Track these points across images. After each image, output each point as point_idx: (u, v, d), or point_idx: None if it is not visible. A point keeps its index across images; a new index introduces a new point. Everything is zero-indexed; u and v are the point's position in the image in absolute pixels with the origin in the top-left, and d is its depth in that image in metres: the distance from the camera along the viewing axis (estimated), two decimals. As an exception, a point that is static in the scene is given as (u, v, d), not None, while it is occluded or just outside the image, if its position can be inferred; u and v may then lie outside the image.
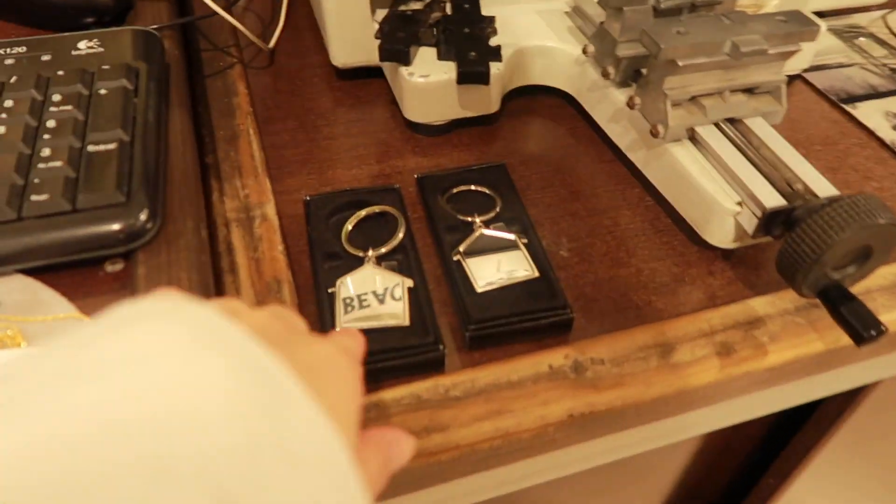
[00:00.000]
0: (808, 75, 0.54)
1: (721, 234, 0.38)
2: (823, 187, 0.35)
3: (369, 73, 0.50)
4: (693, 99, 0.39)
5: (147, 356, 0.16)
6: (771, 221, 0.35)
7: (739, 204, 0.36)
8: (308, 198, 0.39)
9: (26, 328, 0.27)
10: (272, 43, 0.52)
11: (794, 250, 0.33)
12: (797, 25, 0.39)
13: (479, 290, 0.35)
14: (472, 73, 0.42)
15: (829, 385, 0.44)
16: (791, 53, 0.39)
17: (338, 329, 0.33)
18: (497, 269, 0.36)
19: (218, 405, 0.16)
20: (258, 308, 0.23)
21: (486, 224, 0.38)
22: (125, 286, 0.29)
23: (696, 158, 0.38)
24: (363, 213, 0.38)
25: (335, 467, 0.18)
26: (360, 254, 0.36)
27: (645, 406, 0.33)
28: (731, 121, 0.39)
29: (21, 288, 0.28)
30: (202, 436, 0.15)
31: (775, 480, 0.62)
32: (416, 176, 0.42)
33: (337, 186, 0.42)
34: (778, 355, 0.35)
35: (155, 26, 0.43)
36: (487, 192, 0.41)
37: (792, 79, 0.54)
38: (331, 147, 0.45)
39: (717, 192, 0.37)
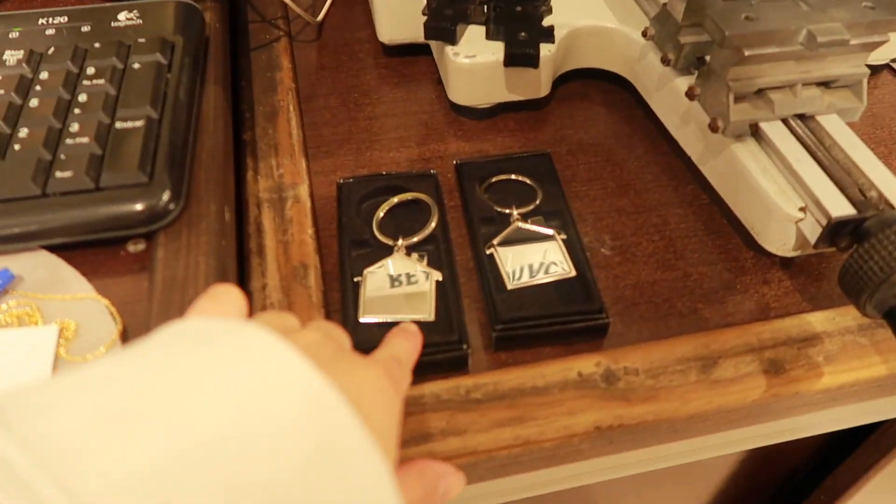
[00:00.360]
0: (896, 65, 0.49)
1: (780, 241, 0.34)
2: (901, 196, 0.32)
3: (417, 51, 0.48)
4: (760, 92, 0.36)
5: (216, 383, 0.17)
6: (837, 231, 0.32)
7: (802, 210, 0.33)
8: (341, 181, 0.38)
9: (44, 306, 0.27)
10: (320, 16, 0.51)
11: (860, 266, 0.29)
12: (886, 13, 0.35)
13: (511, 287, 0.33)
14: (521, 56, 0.40)
15: (892, 409, 0.40)
16: (877, 45, 0.35)
17: (360, 319, 0.32)
18: (531, 265, 0.34)
19: (281, 434, 0.17)
20: (309, 326, 0.23)
21: (525, 217, 0.36)
22: (145, 268, 0.29)
23: (759, 157, 0.35)
24: (395, 199, 0.37)
25: (381, 495, 0.19)
26: (391, 242, 0.35)
27: (680, 423, 0.31)
28: (802, 117, 0.36)
29: (43, 265, 0.28)
30: (270, 464, 0.16)
31: (827, 498, 0.58)
32: (454, 162, 0.40)
33: (374, 169, 0.41)
34: (834, 377, 0.32)
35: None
36: (528, 182, 0.39)
37: (877, 69, 0.49)
38: (371, 127, 0.44)
39: (778, 195, 0.34)
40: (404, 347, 0.27)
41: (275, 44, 0.48)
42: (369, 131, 0.43)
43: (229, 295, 0.23)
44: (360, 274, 0.34)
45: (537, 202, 0.37)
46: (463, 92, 0.43)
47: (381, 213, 0.36)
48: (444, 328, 0.32)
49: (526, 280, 0.34)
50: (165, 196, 0.29)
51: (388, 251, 0.35)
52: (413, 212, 0.37)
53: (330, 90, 0.46)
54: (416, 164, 0.41)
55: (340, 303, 0.33)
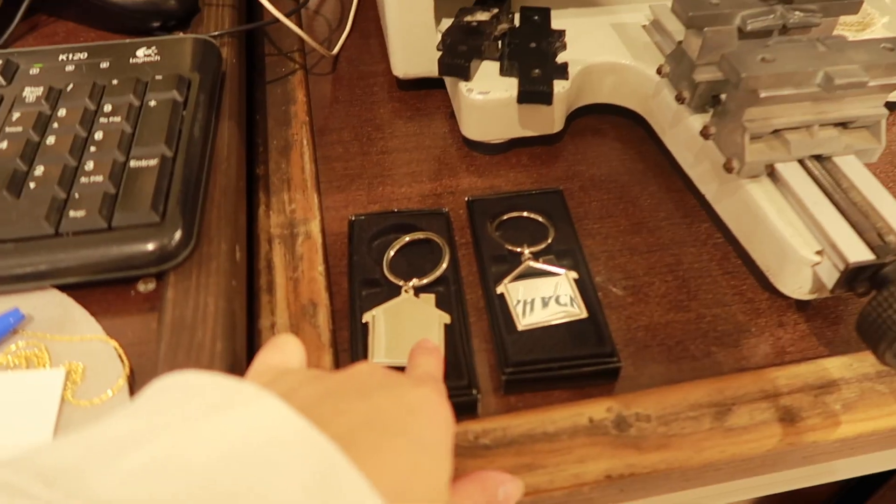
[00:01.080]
0: (916, 101, 0.48)
1: (795, 285, 0.34)
2: (921, 242, 0.31)
3: (431, 84, 0.48)
4: (776, 132, 0.35)
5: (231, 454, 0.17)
6: (855, 277, 0.31)
7: (819, 253, 0.32)
8: (353, 218, 0.38)
9: (53, 347, 0.27)
10: (336, 50, 0.51)
11: (879, 314, 0.29)
12: (904, 54, 0.34)
13: (521, 328, 0.33)
14: (534, 93, 0.40)
15: (913, 456, 0.39)
16: (895, 86, 0.35)
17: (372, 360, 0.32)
18: (542, 306, 0.34)
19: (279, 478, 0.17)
20: (353, 365, 0.24)
21: (536, 256, 0.36)
22: (154, 308, 0.29)
23: (774, 198, 0.35)
24: (407, 238, 0.37)
25: None
26: (401, 283, 0.35)
27: (692, 472, 0.30)
28: (819, 158, 0.35)
29: (54, 304, 0.28)
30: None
31: (846, 540, 0.57)
32: (466, 199, 0.40)
33: (386, 204, 0.41)
34: (852, 426, 0.31)
35: (217, 33, 0.42)
36: (540, 220, 0.38)
37: (896, 106, 0.48)
38: (384, 162, 0.44)
39: (794, 237, 0.33)
40: (431, 364, 0.27)
41: (290, 77, 0.49)
42: (382, 166, 0.43)
43: (290, 345, 0.25)
44: (370, 314, 0.33)
45: (549, 241, 0.37)
46: (476, 127, 0.43)
47: (391, 253, 0.36)
48: (452, 372, 0.31)
49: (536, 321, 0.33)
50: (177, 236, 0.29)
51: (398, 291, 0.35)
52: (424, 250, 0.37)
53: (343, 124, 0.47)
54: (429, 199, 0.41)
55: (349, 343, 0.33)
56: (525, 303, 0.34)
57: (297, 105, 0.46)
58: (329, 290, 0.35)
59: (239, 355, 0.28)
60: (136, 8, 0.43)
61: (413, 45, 0.46)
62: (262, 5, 0.45)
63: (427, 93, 0.49)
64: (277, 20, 0.46)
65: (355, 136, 0.45)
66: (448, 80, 0.46)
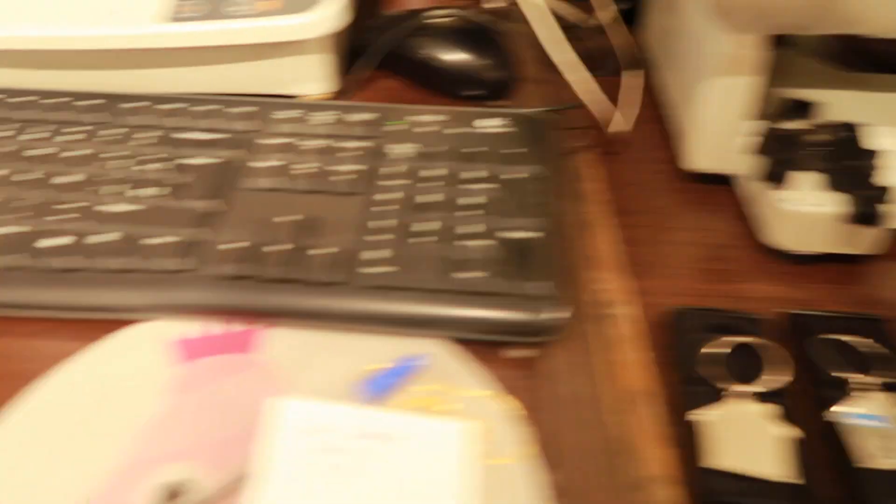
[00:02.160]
0: None
1: None
2: None
3: (715, 179, 0.48)
4: None
5: None
6: None
7: None
8: (675, 309, 0.38)
9: (449, 396, 0.27)
10: (629, 127, 0.52)
11: None
12: None
13: (871, 465, 0.31)
14: (868, 215, 0.39)
15: None
16: None
17: (703, 464, 0.31)
18: (886, 445, 0.32)
19: None
20: None
21: (874, 387, 0.34)
22: (529, 377, 0.29)
23: None
24: (741, 340, 0.36)
25: None
26: (730, 386, 0.34)
27: None
28: None
29: (449, 354, 0.29)
30: None
31: None
32: (788, 312, 0.39)
33: (684, 299, 0.40)
34: None
35: (540, 109, 0.44)
36: (880, 349, 0.37)
37: None
38: (674, 253, 0.44)
39: None
40: None
41: (582, 154, 0.50)
42: (672, 256, 0.43)
43: None
44: (701, 414, 0.33)
45: (883, 372, 0.35)
46: (783, 236, 0.42)
47: (719, 351, 0.36)
48: (806, 496, 0.30)
49: (881, 462, 0.31)
50: (563, 312, 0.30)
51: (721, 393, 0.34)
52: (742, 354, 0.36)
53: (633, 208, 0.47)
54: (726, 300, 0.41)
55: (679, 440, 0.32)
56: (872, 440, 0.32)
57: (595, 183, 0.47)
58: (656, 380, 0.35)
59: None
60: (462, 74, 0.46)
61: (714, 141, 0.46)
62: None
63: (709, 187, 0.49)
64: (583, 105, 0.47)
65: (648, 223, 0.46)
66: (751, 184, 0.46)
